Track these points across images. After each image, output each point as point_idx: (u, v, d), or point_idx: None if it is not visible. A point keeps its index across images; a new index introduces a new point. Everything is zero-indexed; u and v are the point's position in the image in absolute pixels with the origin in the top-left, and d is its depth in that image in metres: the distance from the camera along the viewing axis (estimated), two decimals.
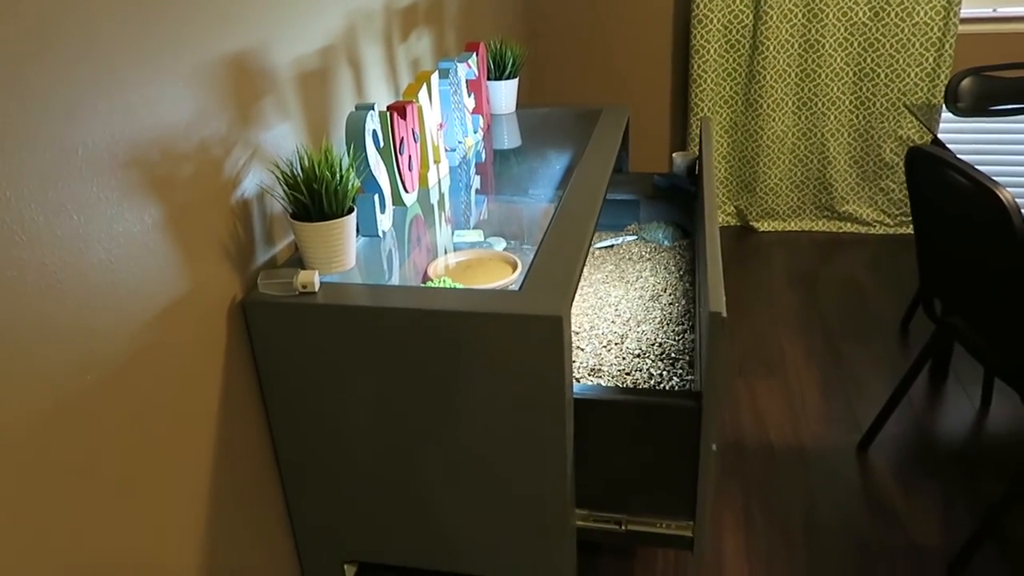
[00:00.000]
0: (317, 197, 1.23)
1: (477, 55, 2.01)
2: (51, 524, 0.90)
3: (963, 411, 2.08)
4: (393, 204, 1.53)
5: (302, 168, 1.23)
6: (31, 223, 0.85)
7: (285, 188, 1.24)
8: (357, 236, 1.44)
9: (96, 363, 0.95)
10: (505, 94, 2.25)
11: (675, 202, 2.18)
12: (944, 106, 2.42)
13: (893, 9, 2.91)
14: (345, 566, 1.47)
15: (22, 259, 0.84)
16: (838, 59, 3.02)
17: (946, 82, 2.91)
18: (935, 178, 1.55)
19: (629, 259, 2.04)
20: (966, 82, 2.43)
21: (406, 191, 1.55)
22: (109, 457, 0.98)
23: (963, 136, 2.14)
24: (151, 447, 1.06)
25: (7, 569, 0.84)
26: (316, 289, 1.22)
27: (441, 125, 1.75)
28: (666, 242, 2.11)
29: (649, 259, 2.03)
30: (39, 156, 0.85)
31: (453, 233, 1.53)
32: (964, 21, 2.99)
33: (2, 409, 0.82)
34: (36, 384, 0.87)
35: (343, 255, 1.28)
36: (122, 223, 0.98)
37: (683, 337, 1.65)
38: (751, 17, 3.01)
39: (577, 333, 1.69)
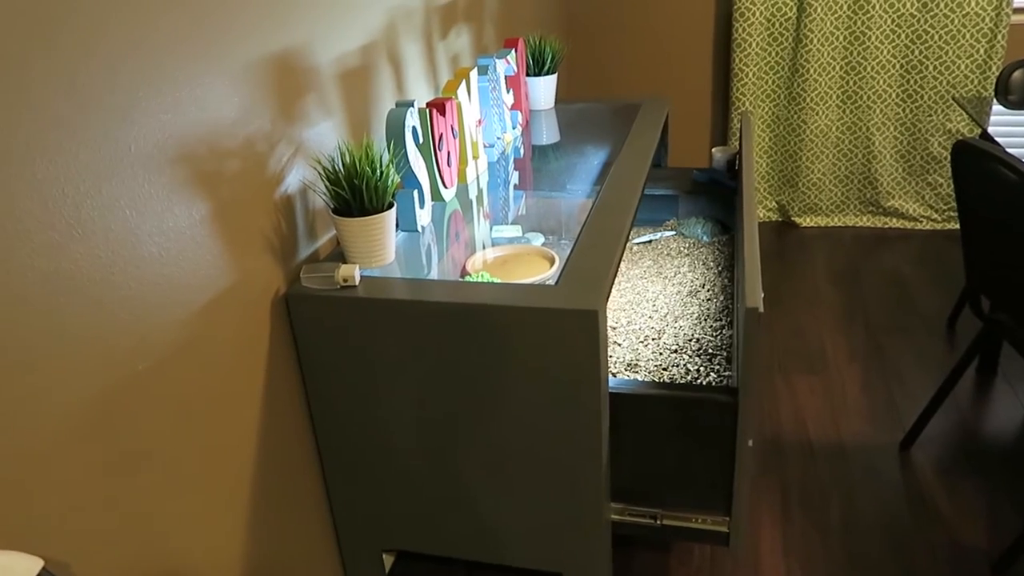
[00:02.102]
0: (358, 193, 1.25)
1: (516, 51, 2.02)
2: (104, 506, 0.94)
3: (1011, 410, 2.04)
4: (432, 199, 1.56)
5: (343, 164, 1.25)
6: (87, 218, 0.88)
7: (327, 183, 1.26)
8: (397, 231, 1.47)
9: (148, 353, 0.99)
10: (544, 89, 2.26)
11: (714, 197, 2.17)
12: (995, 99, 2.36)
13: (943, 0, 2.85)
14: (383, 555, 1.50)
15: (79, 252, 0.88)
16: (884, 51, 2.97)
17: (997, 74, 2.83)
18: (982, 172, 1.52)
19: (667, 255, 2.03)
20: (1018, 74, 2.37)
21: (445, 187, 1.57)
22: (159, 444, 1.02)
23: (1014, 129, 2.08)
24: (197, 435, 1.10)
25: (62, 553, 0.88)
26: (357, 283, 1.25)
27: (480, 121, 1.77)
28: (705, 238, 2.10)
29: (688, 255, 2.02)
30: (94, 154, 0.89)
31: (491, 228, 1.54)
32: (1017, 11, 2.91)
33: (62, 395, 0.86)
34: (92, 372, 0.91)
35: (383, 249, 1.30)
36: (171, 218, 1.02)
37: (721, 333, 1.64)
38: (794, 10, 2.97)
39: (614, 328, 1.69)
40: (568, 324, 1.15)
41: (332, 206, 1.29)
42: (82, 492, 0.90)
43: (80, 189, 0.87)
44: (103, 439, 0.93)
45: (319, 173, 1.35)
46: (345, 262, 1.32)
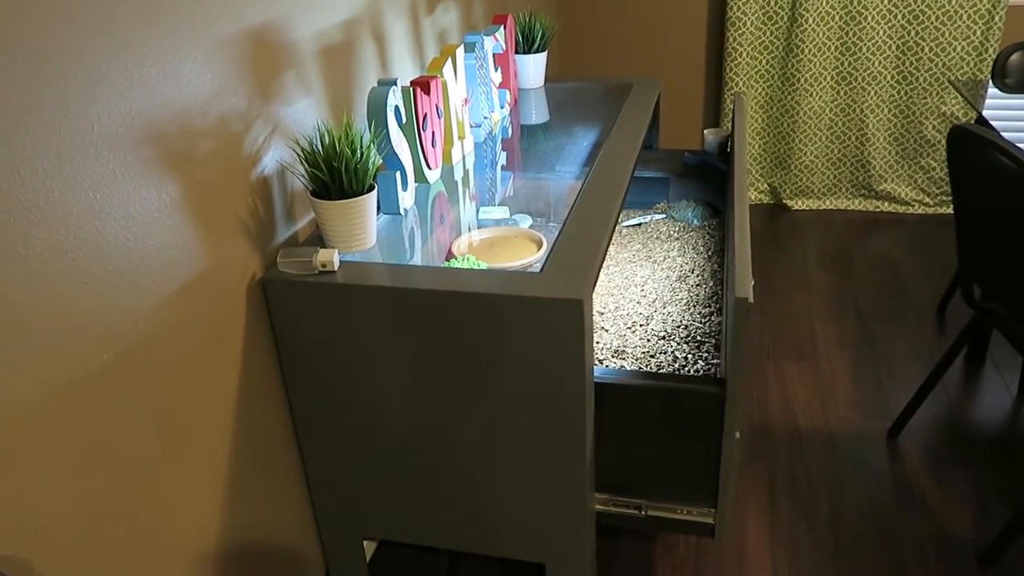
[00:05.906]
0: (337, 175, 1.21)
1: (505, 28, 1.96)
2: (70, 503, 0.90)
3: (999, 399, 2.02)
4: (416, 181, 1.51)
5: (322, 145, 1.21)
6: (46, 201, 0.84)
7: (305, 165, 1.22)
8: (378, 214, 1.43)
9: (113, 342, 0.95)
10: (533, 68, 2.21)
11: (706, 180, 2.13)
12: (991, 82, 2.33)
13: None
14: (364, 543, 1.47)
15: (37, 237, 0.83)
16: (880, 32, 2.92)
17: (994, 57, 2.80)
18: (979, 159, 1.49)
19: (657, 238, 2.00)
20: (1015, 57, 2.33)
21: (429, 168, 1.53)
22: (127, 436, 0.98)
23: (1010, 113, 2.05)
24: (170, 426, 1.06)
25: (26, 550, 0.85)
26: (336, 268, 1.21)
27: (466, 100, 1.72)
28: (695, 221, 2.06)
29: (678, 239, 1.99)
30: (54, 132, 0.84)
31: (478, 210, 1.50)
32: None
33: (19, 390, 0.83)
34: (53, 364, 0.87)
35: (363, 233, 1.26)
36: (139, 200, 0.98)
37: (710, 320, 1.61)
38: None
39: (601, 314, 1.66)
40: (552, 313, 1.11)
41: (311, 188, 1.25)
42: (46, 488, 0.87)
43: (38, 171, 0.83)
44: (67, 433, 0.89)
45: (297, 154, 1.31)
46: (324, 246, 1.28)
